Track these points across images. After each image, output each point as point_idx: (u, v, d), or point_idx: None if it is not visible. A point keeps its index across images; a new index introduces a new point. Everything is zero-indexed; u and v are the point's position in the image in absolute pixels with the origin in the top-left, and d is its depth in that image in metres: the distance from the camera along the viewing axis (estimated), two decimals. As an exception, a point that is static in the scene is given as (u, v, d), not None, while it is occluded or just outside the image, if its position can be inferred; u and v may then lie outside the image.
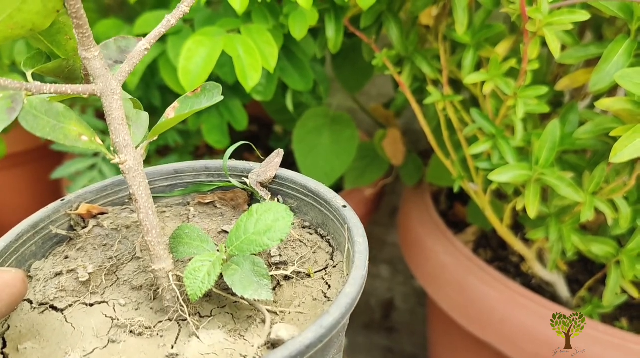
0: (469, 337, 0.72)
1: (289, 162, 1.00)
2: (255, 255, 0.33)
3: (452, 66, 0.69)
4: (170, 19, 0.31)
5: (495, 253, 0.82)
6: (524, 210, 0.60)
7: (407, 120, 1.05)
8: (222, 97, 0.34)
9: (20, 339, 0.33)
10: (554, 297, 0.72)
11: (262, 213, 0.34)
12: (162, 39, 0.72)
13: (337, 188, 0.95)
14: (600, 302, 0.65)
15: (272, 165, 0.40)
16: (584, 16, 0.52)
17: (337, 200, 0.37)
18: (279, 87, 0.79)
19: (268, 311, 0.33)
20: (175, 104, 0.34)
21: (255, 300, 0.33)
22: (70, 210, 0.39)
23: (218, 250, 0.34)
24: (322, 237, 0.39)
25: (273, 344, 0.31)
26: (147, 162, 0.92)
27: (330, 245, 0.38)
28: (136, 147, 0.32)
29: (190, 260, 0.36)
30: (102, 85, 0.30)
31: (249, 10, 0.65)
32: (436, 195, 0.91)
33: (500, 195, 0.76)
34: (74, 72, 0.32)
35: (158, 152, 0.92)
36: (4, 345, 0.32)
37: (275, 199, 0.41)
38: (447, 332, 0.81)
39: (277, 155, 0.41)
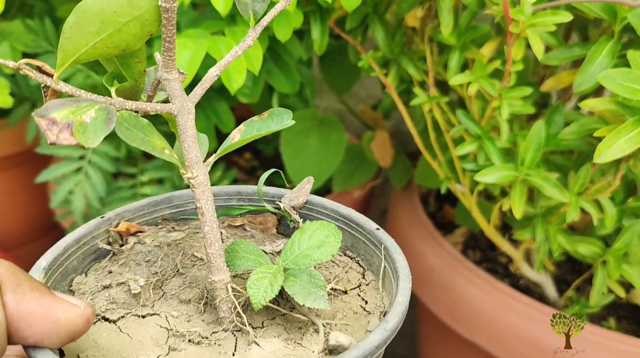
0: (457, 338, 0.72)
1: (276, 165, 1.00)
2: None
3: (438, 67, 0.69)
4: (237, 50, 0.33)
5: (484, 254, 0.82)
6: (511, 210, 0.60)
7: (395, 122, 1.05)
8: (293, 122, 0.35)
9: (78, 348, 0.33)
10: (541, 298, 0.72)
11: (315, 230, 0.36)
12: (148, 42, 0.72)
13: (326, 190, 0.95)
14: (588, 301, 0.65)
15: (303, 191, 0.42)
16: (566, 17, 0.52)
17: (370, 223, 0.40)
18: (265, 89, 0.79)
19: (314, 323, 0.35)
20: (242, 126, 0.36)
21: (312, 309, 0.35)
22: (111, 227, 0.41)
23: (274, 264, 0.36)
24: (352, 258, 0.41)
25: (331, 350, 0.33)
26: (135, 164, 0.91)
27: (360, 266, 0.40)
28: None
29: (240, 274, 0.38)
30: (179, 104, 0.32)
31: (233, 13, 0.64)
32: (425, 196, 0.91)
33: (488, 196, 0.76)
34: (136, 94, 0.34)
35: (145, 155, 0.92)
36: (62, 355, 0.33)
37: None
38: (436, 333, 0.81)
39: (308, 182, 0.43)
